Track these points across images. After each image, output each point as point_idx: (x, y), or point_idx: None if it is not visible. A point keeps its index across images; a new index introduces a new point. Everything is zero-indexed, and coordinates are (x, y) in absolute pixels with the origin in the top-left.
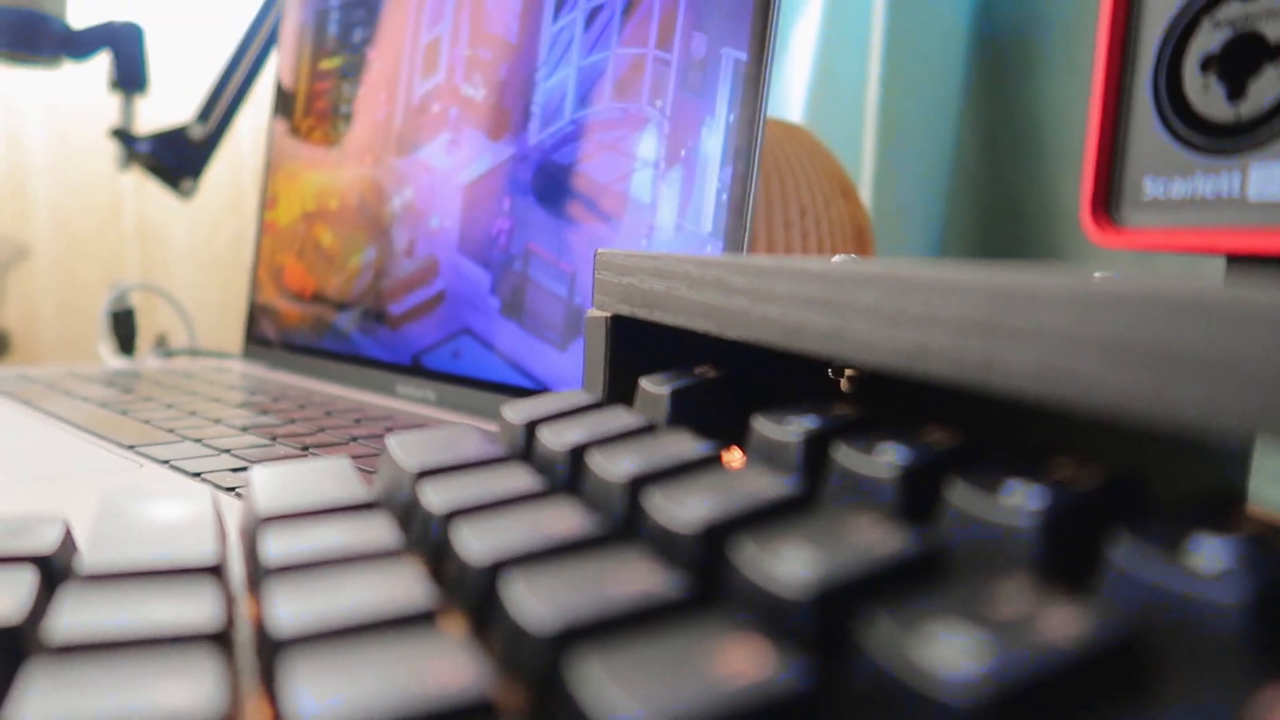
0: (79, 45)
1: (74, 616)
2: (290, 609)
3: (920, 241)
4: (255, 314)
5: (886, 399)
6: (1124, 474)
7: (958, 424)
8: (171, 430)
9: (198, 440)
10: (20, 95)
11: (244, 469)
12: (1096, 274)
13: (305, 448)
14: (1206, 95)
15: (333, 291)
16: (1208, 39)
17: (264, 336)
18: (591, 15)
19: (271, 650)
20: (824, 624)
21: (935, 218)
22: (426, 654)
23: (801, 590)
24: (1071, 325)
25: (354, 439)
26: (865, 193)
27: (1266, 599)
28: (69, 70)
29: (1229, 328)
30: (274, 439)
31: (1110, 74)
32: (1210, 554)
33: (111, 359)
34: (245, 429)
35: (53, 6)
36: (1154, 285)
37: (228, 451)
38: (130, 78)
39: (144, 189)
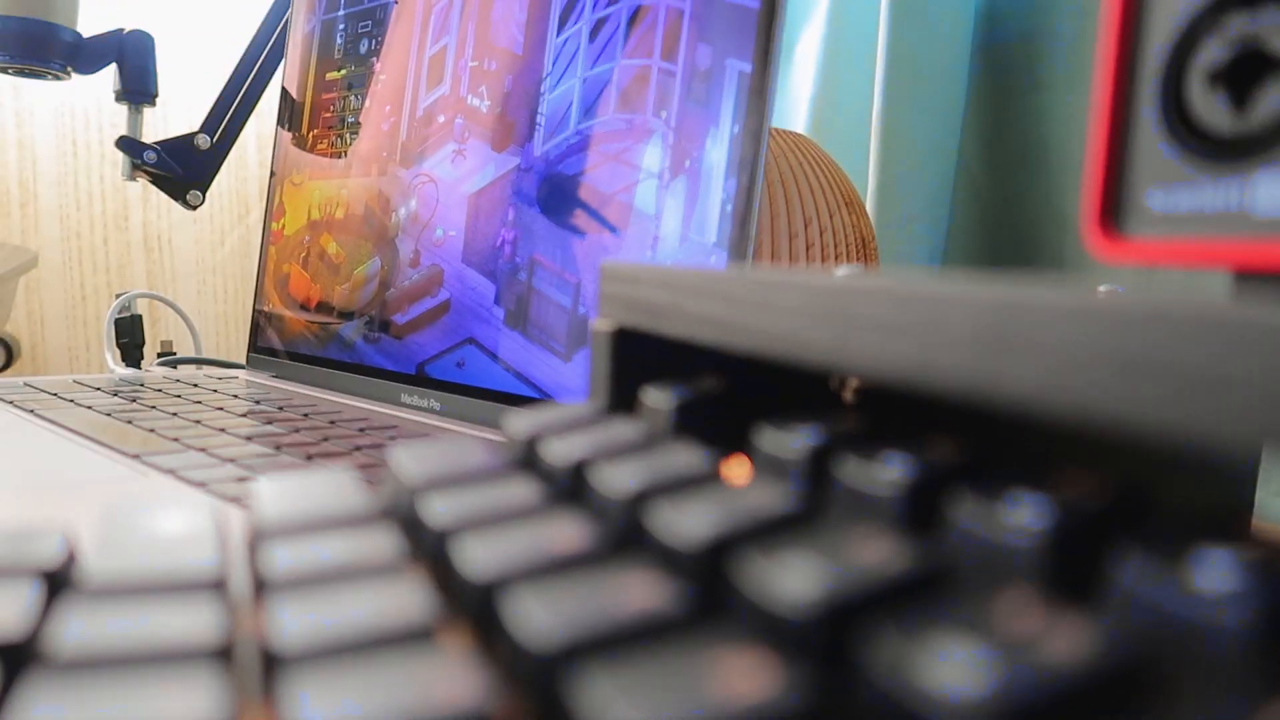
0: (88, 57)
1: (75, 631)
2: (293, 623)
3: (924, 252)
4: (260, 323)
5: (891, 410)
6: (1130, 488)
7: (963, 436)
8: (176, 439)
9: (202, 450)
10: (29, 103)
11: (248, 478)
12: (1101, 287)
13: (309, 457)
14: (1211, 108)
15: (338, 301)
16: (1213, 52)
17: (269, 345)
18: (596, 27)
19: (274, 664)
20: (828, 642)
21: (939, 228)
22: (429, 669)
23: (806, 609)
24: (1077, 340)
25: (358, 449)
26: (869, 203)
27: (1272, 620)
28: (79, 77)
29: (1235, 342)
30: (278, 448)
31: (1113, 86)
32: (1216, 574)
33: (117, 367)
34: (249, 438)
35: (63, 16)
36: (1160, 300)
37: (232, 461)
38: (138, 89)
39: (151, 198)
